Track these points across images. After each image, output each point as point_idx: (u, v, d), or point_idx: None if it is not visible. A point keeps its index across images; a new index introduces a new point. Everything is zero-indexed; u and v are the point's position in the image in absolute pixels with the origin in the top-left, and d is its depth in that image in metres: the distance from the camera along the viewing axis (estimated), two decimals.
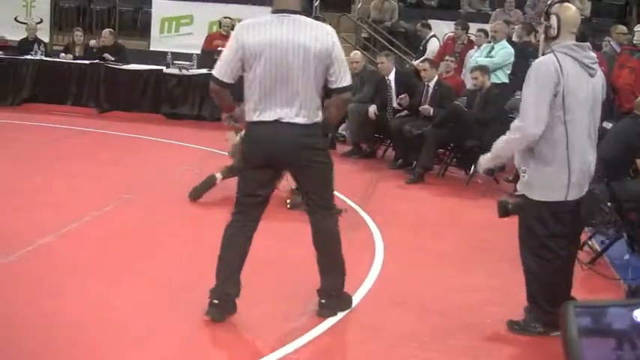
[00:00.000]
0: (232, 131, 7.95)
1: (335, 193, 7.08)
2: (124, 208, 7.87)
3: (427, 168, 10.10)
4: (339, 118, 5.87)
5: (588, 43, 5.10)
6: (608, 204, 6.56)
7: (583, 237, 6.15)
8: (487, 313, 5.56)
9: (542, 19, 5.10)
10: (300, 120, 4.94)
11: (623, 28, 11.41)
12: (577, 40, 4.98)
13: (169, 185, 8.95)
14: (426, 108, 10.39)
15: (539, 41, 12.26)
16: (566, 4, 5.02)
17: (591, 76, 4.93)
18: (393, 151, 11.38)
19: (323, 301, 5.37)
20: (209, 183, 8.34)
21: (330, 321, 5.26)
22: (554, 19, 4.92)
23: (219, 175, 8.37)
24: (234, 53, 4.96)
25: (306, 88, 4.92)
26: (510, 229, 5.91)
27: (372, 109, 10.95)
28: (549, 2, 5.06)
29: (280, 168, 5.39)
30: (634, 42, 10.51)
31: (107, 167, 9.66)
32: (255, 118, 5.00)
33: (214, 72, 5.11)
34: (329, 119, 5.29)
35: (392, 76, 11.19)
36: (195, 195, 8.25)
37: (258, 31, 4.90)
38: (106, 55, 13.99)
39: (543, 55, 5.01)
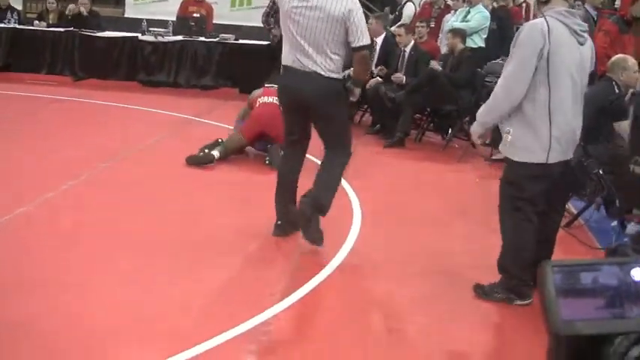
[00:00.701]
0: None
1: (310, 157, 7.13)
2: (102, 176, 7.83)
3: (406, 133, 10.11)
4: (365, 74, 6.64)
5: (580, 11, 5.09)
6: (600, 172, 6.58)
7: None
8: (465, 277, 5.59)
9: None
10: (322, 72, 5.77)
11: None
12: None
13: (146, 153, 8.92)
14: (398, 76, 10.40)
15: (517, 6, 12.38)
16: None
17: (580, 44, 4.94)
18: (370, 116, 11.38)
19: (305, 199, 6.05)
20: (206, 159, 8.39)
21: (309, 286, 5.28)
22: None
23: (216, 154, 8.45)
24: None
25: (330, 45, 5.73)
26: (487, 193, 5.96)
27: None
28: None
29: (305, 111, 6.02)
30: (615, 6, 10.51)
31: (83, 136, 9.59)
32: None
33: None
34: (354, 74, 6.07)
35: (379, 40, 11.13)
36: (192, 162, 8.31)
37: None
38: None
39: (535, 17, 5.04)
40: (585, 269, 1.31)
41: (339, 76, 5.88)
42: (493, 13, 11.65)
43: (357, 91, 6.17)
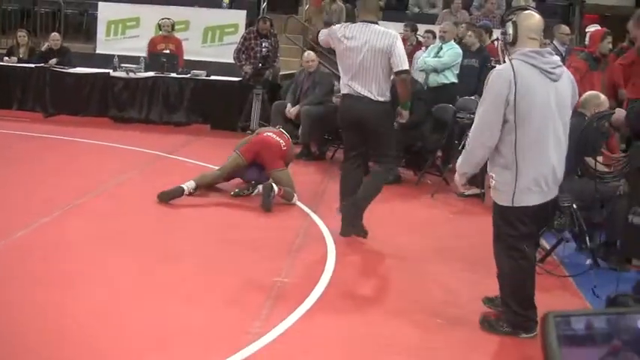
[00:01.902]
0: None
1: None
2: (74, 213, 7.77)
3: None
4: (408, 96, 7.31)
5: (549, 48, 5.19)
6: (573, 206, 6.63)
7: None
8: (439, 312, 5.60)
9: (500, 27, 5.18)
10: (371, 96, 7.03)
11: (565, 29, 11.55)
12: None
13: (118, 189, 8.87)
14: None
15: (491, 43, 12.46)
16: (526, 11, 5.14)
17: (553, 80, 4.97)
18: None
19: (345, 203, 7.39)
20: (177, 192, 8.41)
21: (284, 325, 5.24)
22: (509, 26, 5.04)
23: (190, 185, 8.52)
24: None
25: (377, 74, 6.97)
26: (461, 228, 5.97)
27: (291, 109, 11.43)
28: (507, 12, 5.16)
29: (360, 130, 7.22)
30: (585, 43, 10.61)
31: (55, 173, 9.54)
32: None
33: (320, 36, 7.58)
34: (400, 97, 7.22)
35: None
36: (164, 198, 8.28)
37: (350, 31, 7.05)
38: (51, 62, 13.81)
39: (504, 62, 5.10)
40: (588, 319, 1.31)
41: (386, 98, 7.08)
42: (479, 51, 11.71)
43: (405, 113, 7.37)
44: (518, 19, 5.04)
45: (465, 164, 5.23)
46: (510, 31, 5.03)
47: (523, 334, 5.21)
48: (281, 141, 8.96)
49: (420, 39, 12.88)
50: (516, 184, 4.99)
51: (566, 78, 5.13)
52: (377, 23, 7.14)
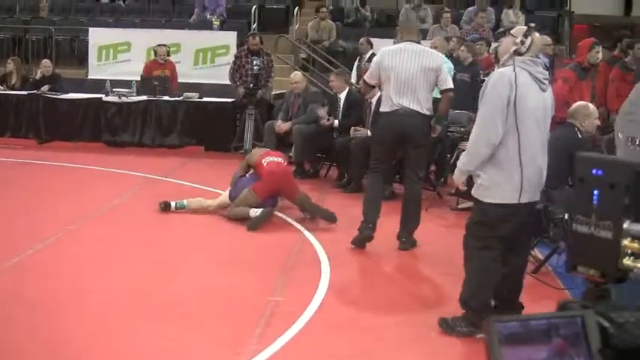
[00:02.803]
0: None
1: (278, 214, 7.28)
2: (68, 239, 7.78)
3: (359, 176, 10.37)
4: (446, 112, 8.17)
5: (540, 59, 5.37)
6: (565, 216, 6.65)
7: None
8: (436, 326, 5.60)
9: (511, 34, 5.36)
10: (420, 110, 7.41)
11: (548, 39, 11.56)
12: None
13: (112, 214, 8.88)
14: (359, 130, 10.50)
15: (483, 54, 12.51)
16: (541, 35, 5.68)
17: (542, 90, 5.28)
18: (336, 170, 11.42)
19: (404, 239, 7.65)
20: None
21: (277, 344, 5.25)
22: (529, 40, 5.27)
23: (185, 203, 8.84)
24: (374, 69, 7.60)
25: (425, 90, 7.43)
26: (454, 242, 5.98)
27: (323, 113, 11.25)
28: (529, 25, 5.46)
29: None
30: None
31: (49, 198, 9.54)
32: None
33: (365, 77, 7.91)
34: (440, 112, 7.74)
35: (343, 95, 11.24)
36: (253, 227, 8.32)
37: (391, 55, 7.43)
38: (43, 88, 13.84)
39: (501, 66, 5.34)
40: (527, 322, 1.34)
41: (431, 113, 7.49)
42: (471, 65, 11.74)
43: (439, 127, 7.79)
44: (535, 37, 5.32)
45: (469, 163, 5.35)
46: (528, 43, 5.24)
47: (480, 334, 5.22)
48: (285, 161, 9.01)
49: None
50: (510, 183, 5.18)
51: (549, 91, 5.44)
52: (420, 43, 7.68)
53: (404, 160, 7.85)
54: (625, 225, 1.97)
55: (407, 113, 7.37)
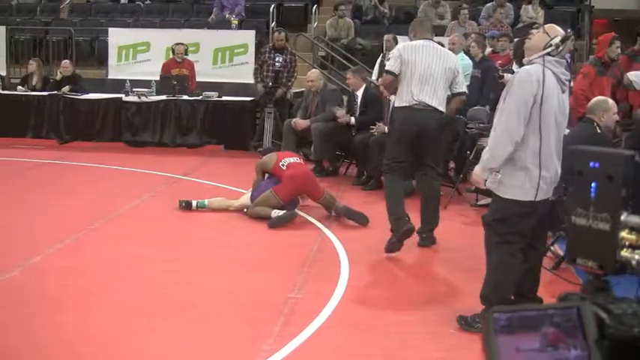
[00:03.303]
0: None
1: (299, 212, 7.33)
2: (88, 239, 7.82)
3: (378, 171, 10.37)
4: (455, 113, 8.24)
5: (564, 61, 5.41)
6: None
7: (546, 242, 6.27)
8: (455, 323, 5.59)
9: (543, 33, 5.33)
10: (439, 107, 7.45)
11: None
12: None
13: (132, 214, 8.92)
14: (380, 127, 10.49)
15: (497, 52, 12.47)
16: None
17: (563, 91, 5.28)
18: (355, 167, 11.42)
19: (424, 235, 7.70)
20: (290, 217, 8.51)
21: (296, 342, 5.26)
22: (564, 47, 5.28)
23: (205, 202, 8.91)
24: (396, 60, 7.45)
25: (443, 89, 7.50)
26: (473, 238, 5.97)
27: (341, 113, 11.22)
28: (568, 31, 5.41)
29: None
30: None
31: (70, 198, 9.60)
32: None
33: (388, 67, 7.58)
34: (450, 112, 7.81)
35: (360, 93, 11.24)
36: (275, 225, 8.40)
37: (416, 48, 7.43)
38: (64, 89, 13.92)
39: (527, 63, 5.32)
40: (524, 312, 1.35)
41: (444, 109, 7.53)
42: (482, 61, 11.66)
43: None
44: (567, 42, 5.32)
45: (492, 160, 5.30)
46: (561, 49, 5.24)
47: None
48: (302, 161, 9.04)
49: None
50: (529, 180, 5.20)
51: (567, 92, 5.46)
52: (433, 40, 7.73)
53: (421, 158, 7.75)
54: (622, 217, 1.98)
55: (426, 109, 7.37)
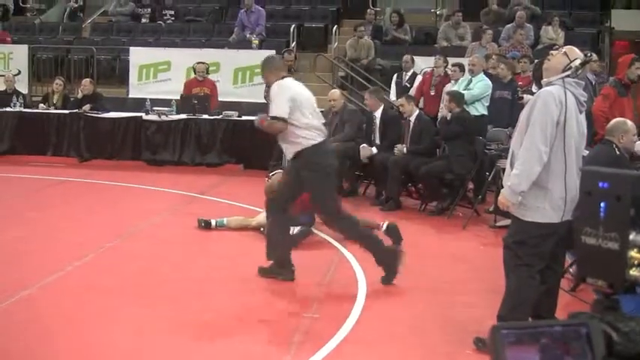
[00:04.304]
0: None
1: (316, 231, 7.30)
2: (106, 256, 7.84)
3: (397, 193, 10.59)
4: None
5: (582, 82, 5.44)
6: None
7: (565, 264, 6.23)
8: (471, 344, 5.56)
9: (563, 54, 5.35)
10: None
11: (595, 58, 11.49)
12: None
13: (151, 232, 8.94)
14: (399, 148, 10.51)
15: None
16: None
17: (580, 112, 5.30)
18: (375, 187, 11.41)
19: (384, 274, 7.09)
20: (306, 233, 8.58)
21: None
22: (585, 67, 5.39)
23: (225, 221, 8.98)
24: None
25: None
26: (492, 260, 5.94)
27: (365, 151, 11.10)
28: (587, 54, 5.38)
29: None
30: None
31: (88, 216, 9.64)
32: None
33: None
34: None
35: (378, 113, 11.25)
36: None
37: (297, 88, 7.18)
38: (85, 107, 13.99)
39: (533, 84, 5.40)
40: (534, 329, 1.35)
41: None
42: (510, 83, 11.65)
43: None
44: (587, 66, 5.41)
45: (523, 181, 5.22)
46: (581, 72, 5.28)
47: None
48: None
49: (448, 71, 12.88)
50: (550, 202, 5.19)
51: (584, 113, 5.44)
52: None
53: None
54: (631, 236, 1.98)
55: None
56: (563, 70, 5.23)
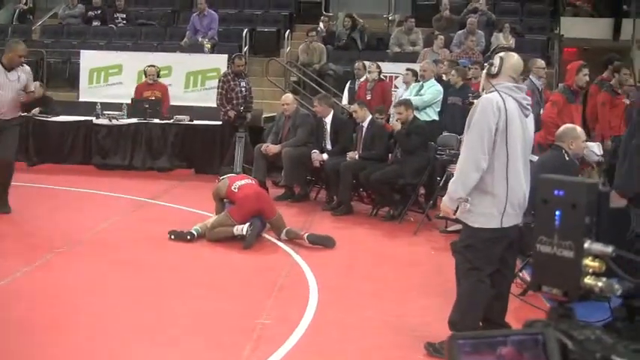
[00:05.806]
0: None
1: (267, 236, 7.25)
2: (56, 262, 7.75)
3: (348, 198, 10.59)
4: None
5: (524, 86, 5.45)
6: None
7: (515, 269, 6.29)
8: (422, 349, 5.59)
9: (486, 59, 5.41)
10: None
11: (541, 63, 11.55)
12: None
13: (101, 237, 8.85)
14: (351, 155, 10.58)
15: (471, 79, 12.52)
16: (511, 52, 5.58)
17: (525, 115, 5.36)
18: (326, 192, 11.43)
19: None
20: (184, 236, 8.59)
21: None
22: (497, 60, 5.39)
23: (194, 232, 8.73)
24: None
25: None
26: (443, 264, 5.98)
27: (317, 156, 11.09)
28: (498, 48, 5.43)
29: None
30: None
31: (37, 222, 9.52)
32: None
33: None
34: None
35: (329, 119, 11.28)
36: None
37: None
38: (34, 111, 13.80)
39: (483, 90, 5.50)
40: (489, 338, 1.36)
41: None
42: (462, 89, 11.70)
43: None
44: (506, 56, 5.41)
45: (460, 189, 5.31)
46: (497, 63, 5.35)
47: None
48: (254, 182, 9.10)
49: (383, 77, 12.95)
50: (497, 207, 5.24)
51: (531, 117, 5.51)
52: None
53: None
54: (586, 244, 2.01)
55: None
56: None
